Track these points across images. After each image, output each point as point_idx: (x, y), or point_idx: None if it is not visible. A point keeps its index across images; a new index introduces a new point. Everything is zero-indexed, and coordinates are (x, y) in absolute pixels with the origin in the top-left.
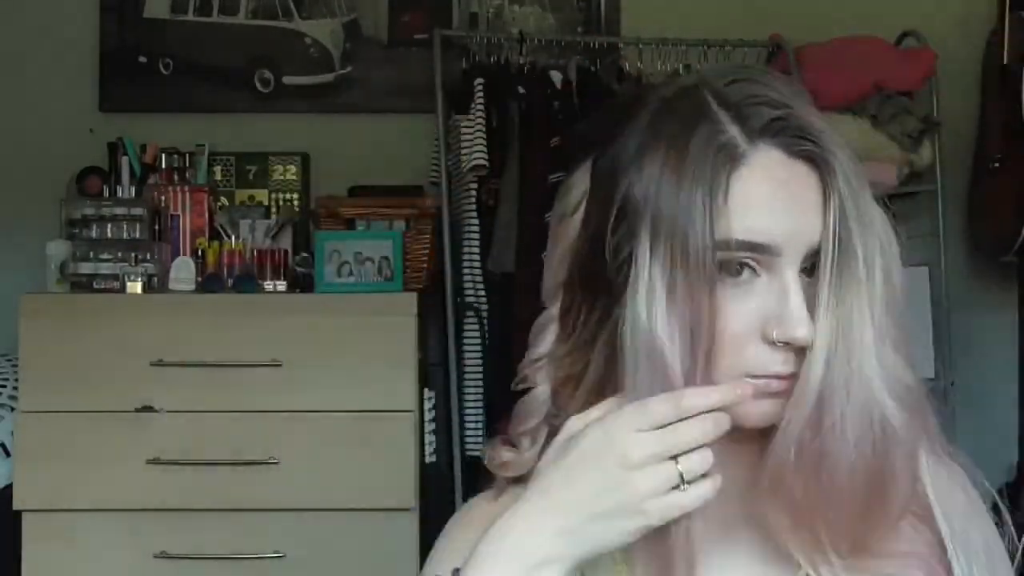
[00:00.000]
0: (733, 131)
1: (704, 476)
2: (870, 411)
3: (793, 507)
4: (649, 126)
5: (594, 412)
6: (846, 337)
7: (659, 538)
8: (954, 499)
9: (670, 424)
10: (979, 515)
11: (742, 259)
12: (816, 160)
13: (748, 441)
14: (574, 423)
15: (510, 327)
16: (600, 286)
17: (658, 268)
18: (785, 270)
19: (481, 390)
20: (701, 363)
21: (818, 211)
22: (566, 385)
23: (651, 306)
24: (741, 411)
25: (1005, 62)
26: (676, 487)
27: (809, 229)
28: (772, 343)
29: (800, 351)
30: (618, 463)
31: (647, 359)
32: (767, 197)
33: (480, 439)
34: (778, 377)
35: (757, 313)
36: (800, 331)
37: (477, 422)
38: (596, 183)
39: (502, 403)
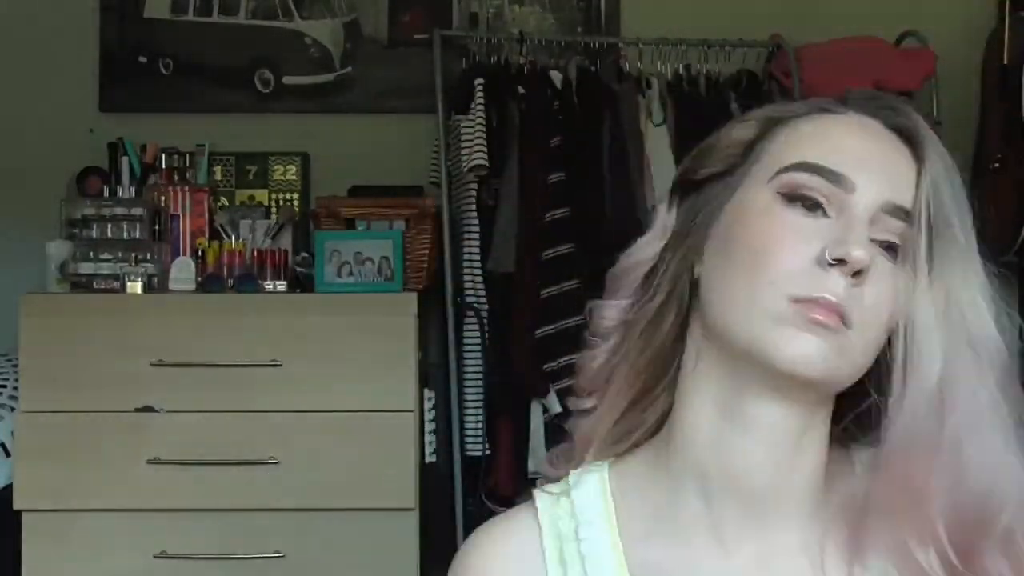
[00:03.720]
0: (838, 104)
1: None
2: (995, 394)
3: (911, 491)
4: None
5: None
6: (957, 307)
7: None
8: None
9: None
10: None
11: (817, 191)
12: (913, 139)
13: (792, 403)
14: None
15: (510, 327)
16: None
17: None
18: (857, 209)
19: (481, 390)
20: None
21: (906, 182)
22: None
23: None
24: (777, 345)
25: (1005, 62)
26: None
27: (889, 186)
28: (826, 265)
29: (856, 294)
30: None
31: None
32: (855, 139)
33: (480, 439)
34: (825, 305)
35: (817, 240)
36: (857, 251)
37: (477, 422)
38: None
39: (502, 403)
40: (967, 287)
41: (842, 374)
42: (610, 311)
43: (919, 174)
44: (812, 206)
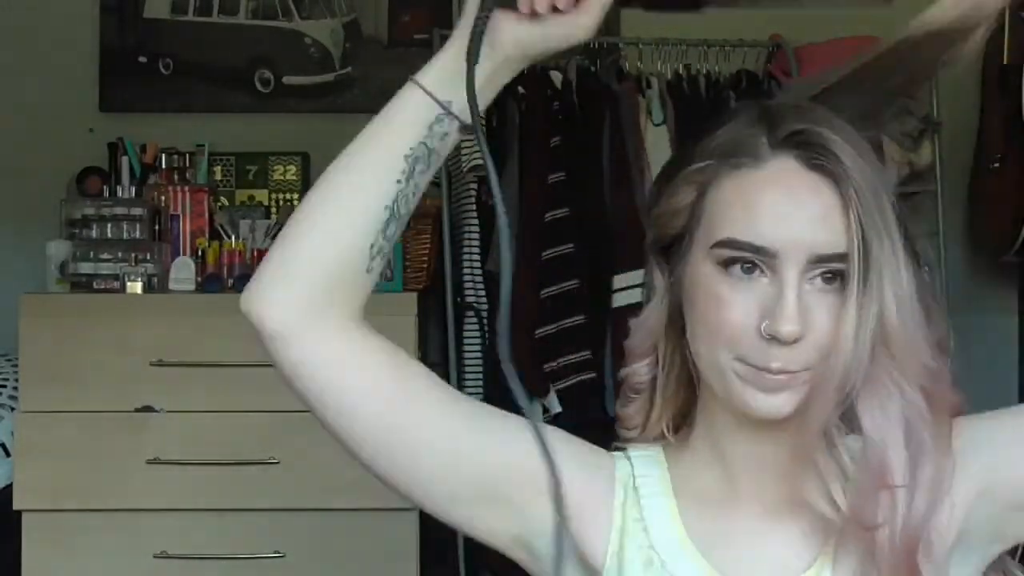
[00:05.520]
0: (761, 139)
1: None
2: (913, 396)
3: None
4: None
5: None
6: (871, 333)
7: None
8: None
9: None
10: None
11: (747, 258)
12: (833, 174)
13: (780, 429)
14: None
15: (510, 327)
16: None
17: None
18: (786, 271)
19: (481, 390)
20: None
21: (829, 221)
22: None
23: (655, 286)
24: (745, 400)
25: (1005, 62)
26: None
27: (811, 238)
28: (766, 336)
29: (797, 350)
30: None
31: (634, 324)
32: (773, 200)
33: None
34: (769, 371)
35: (756, 307)
36: (785, 327)
37: None
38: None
39: (502, 403)
40: (896, 299)
41: (827, 392)
42: (638, 372)
43: (845, 206)
44: (748, 268)
